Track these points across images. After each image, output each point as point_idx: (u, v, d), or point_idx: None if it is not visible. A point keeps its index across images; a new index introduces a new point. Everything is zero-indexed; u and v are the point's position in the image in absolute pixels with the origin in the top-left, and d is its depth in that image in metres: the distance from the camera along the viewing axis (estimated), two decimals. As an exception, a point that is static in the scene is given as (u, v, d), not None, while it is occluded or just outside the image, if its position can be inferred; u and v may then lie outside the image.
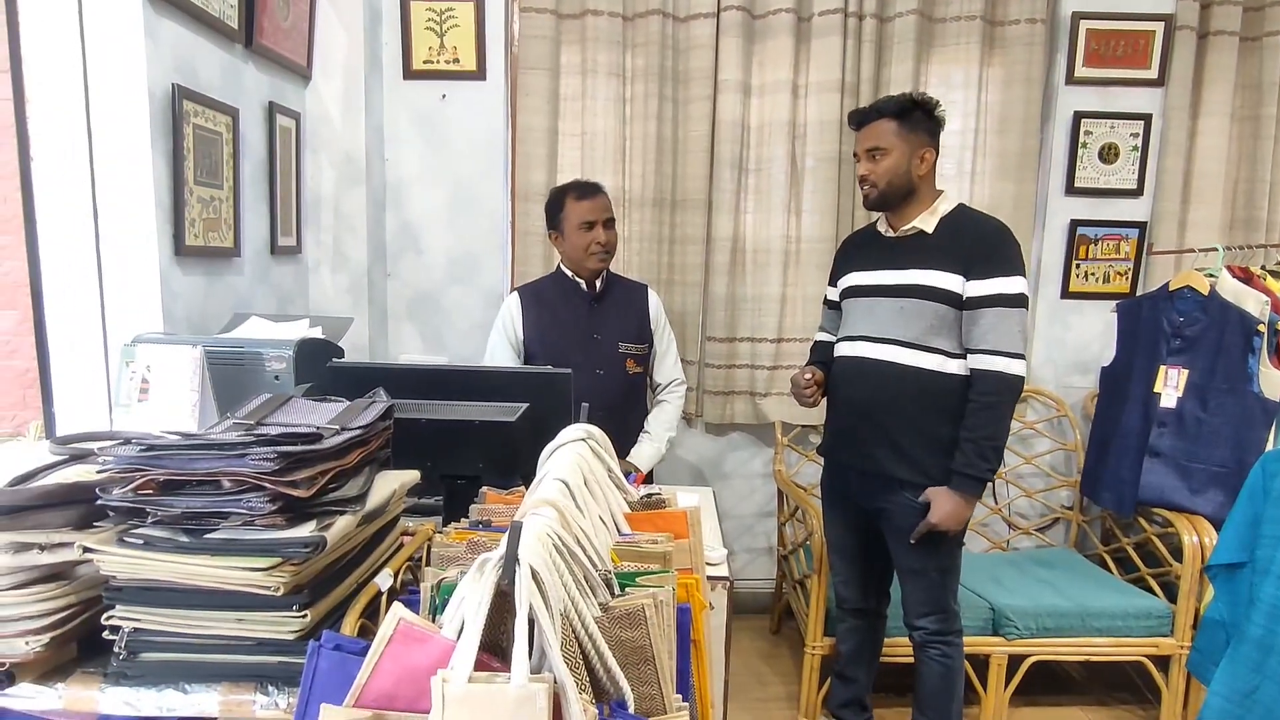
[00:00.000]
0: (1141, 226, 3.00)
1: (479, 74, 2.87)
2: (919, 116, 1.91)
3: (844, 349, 1.99)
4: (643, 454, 2.12)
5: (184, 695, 0.99)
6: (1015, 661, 2.38)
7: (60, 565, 1.00)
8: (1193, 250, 2.84)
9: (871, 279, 1.97)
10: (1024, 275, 1.86)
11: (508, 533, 0.87)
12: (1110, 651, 2.38)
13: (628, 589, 1.14)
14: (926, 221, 1.94)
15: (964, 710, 2.18)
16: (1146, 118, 2.95)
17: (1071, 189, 2.99)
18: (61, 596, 1.00)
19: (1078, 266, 3.03)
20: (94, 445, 1.12)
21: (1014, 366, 1.81)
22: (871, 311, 1.95)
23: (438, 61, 2.87)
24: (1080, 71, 2.93)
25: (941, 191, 2.00)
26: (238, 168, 2.20)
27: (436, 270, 2.97)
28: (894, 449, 1.90)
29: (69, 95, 1.83)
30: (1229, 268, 2.52)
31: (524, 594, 0.83)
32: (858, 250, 2.07)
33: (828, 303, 2.17)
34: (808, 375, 1.95)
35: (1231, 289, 2.45)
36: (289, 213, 2.56)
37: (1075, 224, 3.00)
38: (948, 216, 1.94)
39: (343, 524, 1.04)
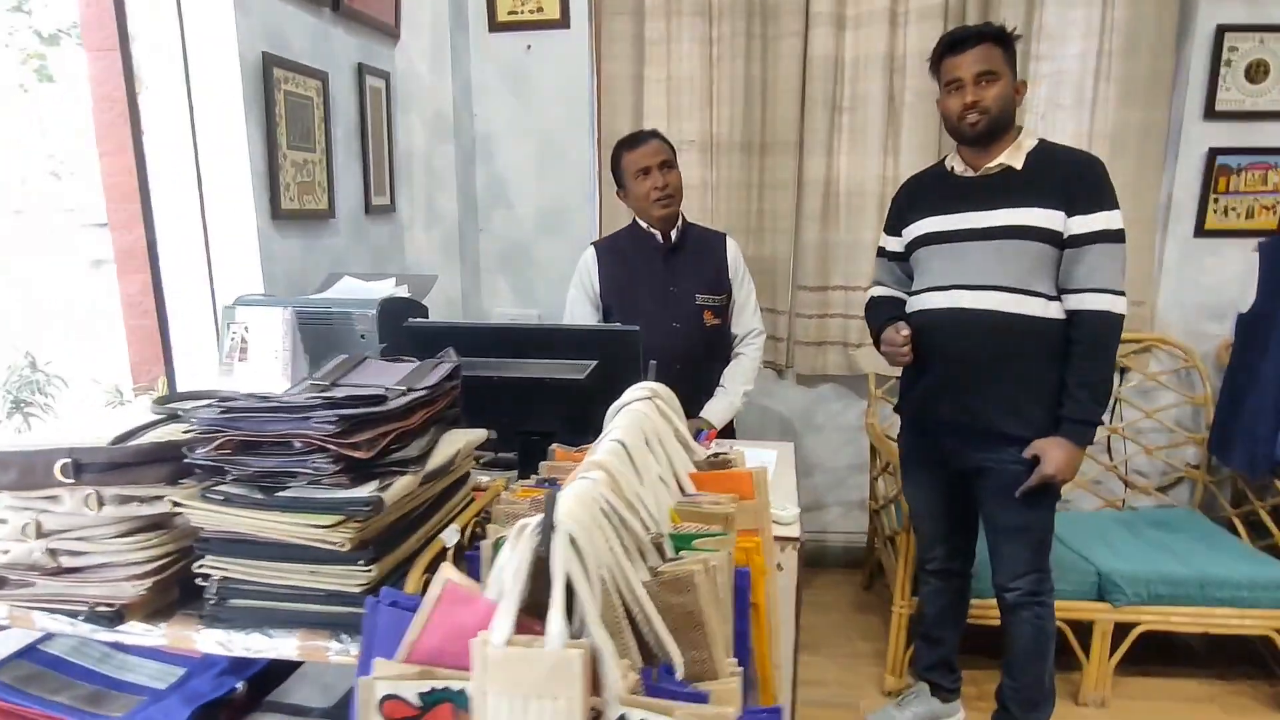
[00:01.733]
0: (1295, 153, 2.67)
1: (563, 22, 2.83)
2: (1012, 50, 1.82)
3: (933, 300, 1.88)
4: (715, 409, 2.09)
5: (268, 639, 1.07)
6: (1123, 629, 2.25)
7: (158, 516, 1.09)
8: None
9: (955, 223, 1.85)
10: (1119, 208, 1.76)
11: (545, 500, 0.88)
12: (1232, 624, 2.21)
13: (683, 552, 1.14)
14: (1014, 157, 1.81)
15: (1065, 676, 2.10)
16: (1306, 28, 2.59)
17: (1211, 113, 2.68)
18: (160, 545, 1.09)
19: (1215, 201, 2.74)
20: (187, 405, 1.20)
21: (1119, 305, 1.74)
22: (963, 257, 1.83)
23: (522, 12, 2.84)
24: (1226, -22, 2.59)
25: (1022, 127, 1.87)
26: (329, 131, 2.28)
27: (527, 223, 3.00)
28: (1003, 403, 1.81)
29: (170, 70, 1.93)
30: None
31: (559, 562, 0.84)
32: (928, 194, 1.94)
33: (887, 254, 2.05)
34: (905, 332, 1.86)
35: (1400, 223, 2.15)
36: (382, 172, 2.64)
37: (1214, 153, 2.70)
38: (1034, 151, 1.82)
39: (402, 484, 1.08)
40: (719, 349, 2.20)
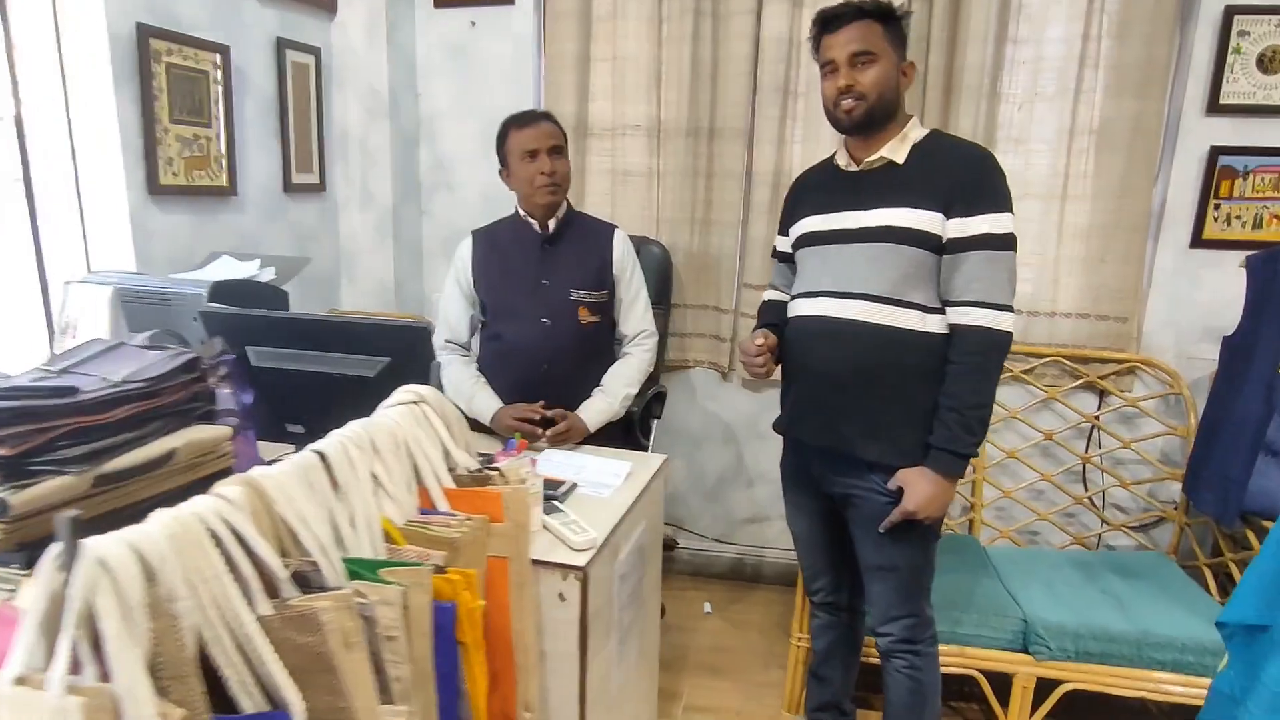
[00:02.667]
0: (1316, 155, 2.32)
1: (507, -3, 2.71)
2: (897, 27, 1.59)
3: (802, 307, 1.69)
4: (590, 409, 1.93)
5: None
6: (1049, 685, 2.00)
7: None
8: None
9: (831, 223, 1.65)
10: (1012, 212, 1.53)
11: (56, 524, 0.78)
12: (1172, 691, 1.93)
13: (362, 581, 1.02)
14: (896, 150, 1.59)
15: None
16: (1335, 10, 2.24)
17: (1215, 107, 2.35)
18: None
19: (1217, 207, 2.41)
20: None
21: (1003, 320, 1.51)
22: (834, 261, 1.63)
23: (468, -14, 2.73)
24: (1238, -48, 2.26)
25: (911, 116, 1.64)
26: (230, 105, 2.22)
27: (471, 207, 2.90)
28: (865, 425, 1.61)
29: (43, 41, 1.90)
30: None
31: (78, 593, 0.75)
32: (813, 189, 1.74)
33: (777, 254, 1.86)
34: (759, 340, 1.67)
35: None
36: (307, 150, 2.58)
37: (1217, 151, 2.37)
38: (921, 144, 1.60)
39: (51, 486, 1.00)
40: (598, 349, 2.04)
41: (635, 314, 2.05)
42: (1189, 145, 2.40)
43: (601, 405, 1.95)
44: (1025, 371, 2.57)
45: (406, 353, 1.40)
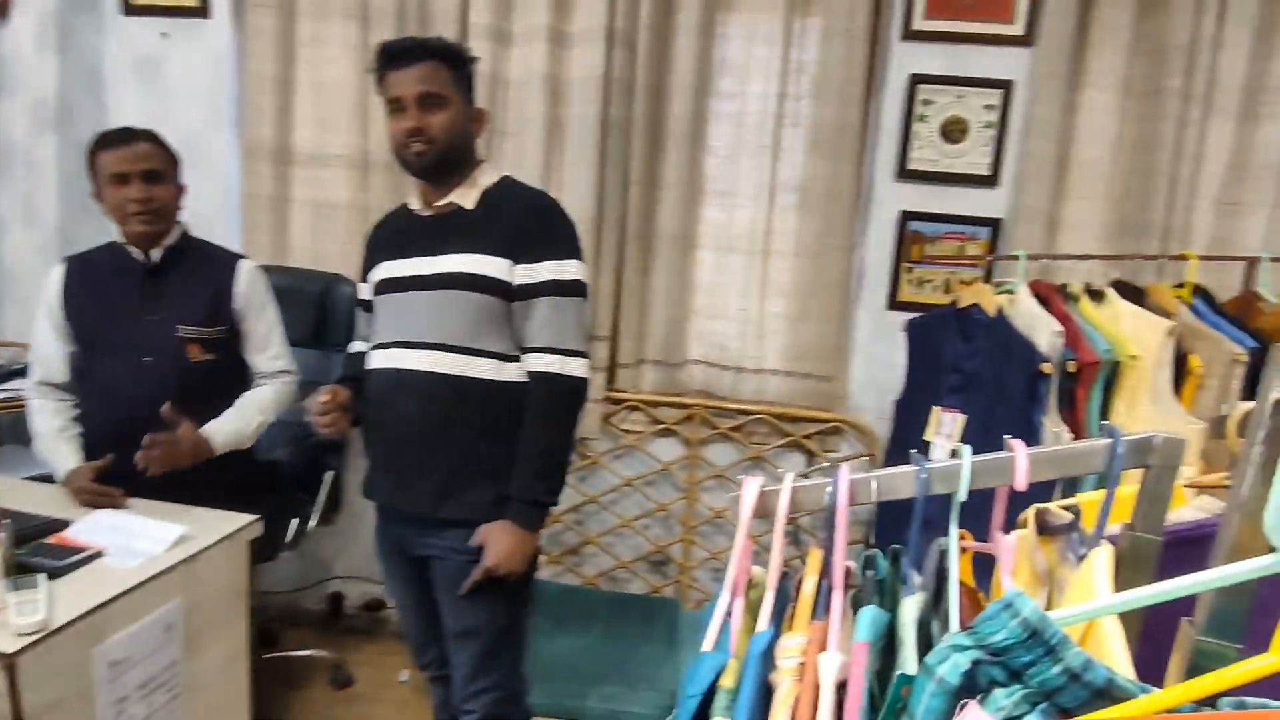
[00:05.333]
0: (996, 224, 2.37)
1: (202, 10, 2.51)
2: (465, 71, 1.56)
3: (376, 359, 1.56)
4: (219, 426, 1.72)
5: None
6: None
7: None
8: (1068, 256, 2.20)
9: (404, 269, 1.55)
10: (581, 259, 1.54)
11: None
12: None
13: None
14: (465, 196, 1.54)
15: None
16: (1007, 86, 2.31)
17: (904, 173, 2.38)
18: None
19: (909, 270, 2.43)
20: None
21: (572, 366, 1.49)
22: (406, 309, 1.54)
23: (160, -6, 2.52)
24: (920, 23, 2.31)
25: (484, 161, 1.60)
26: None
27: (169, 233, 2.65)
28: (440, 481, 1.51)
29: None
30: (1033, 284, 1.90)
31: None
32: (390, 235, 1.65)
33: (361, 303, 1.73)
34: (323, 397, 1.51)
35: (1026, 312, 1.83)
36: (-54, 159, 2.29)
37: (906, 216, 2.39)
38: (491, 189, 1.56)
39: None
40: (218, 389, 1.82)
41: (269, 352, 1.86)
42: (882, 208, 2.42)
43: (232, 424, 1.74)
44: (733, 429, 2.51)
45: None
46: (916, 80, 2.33)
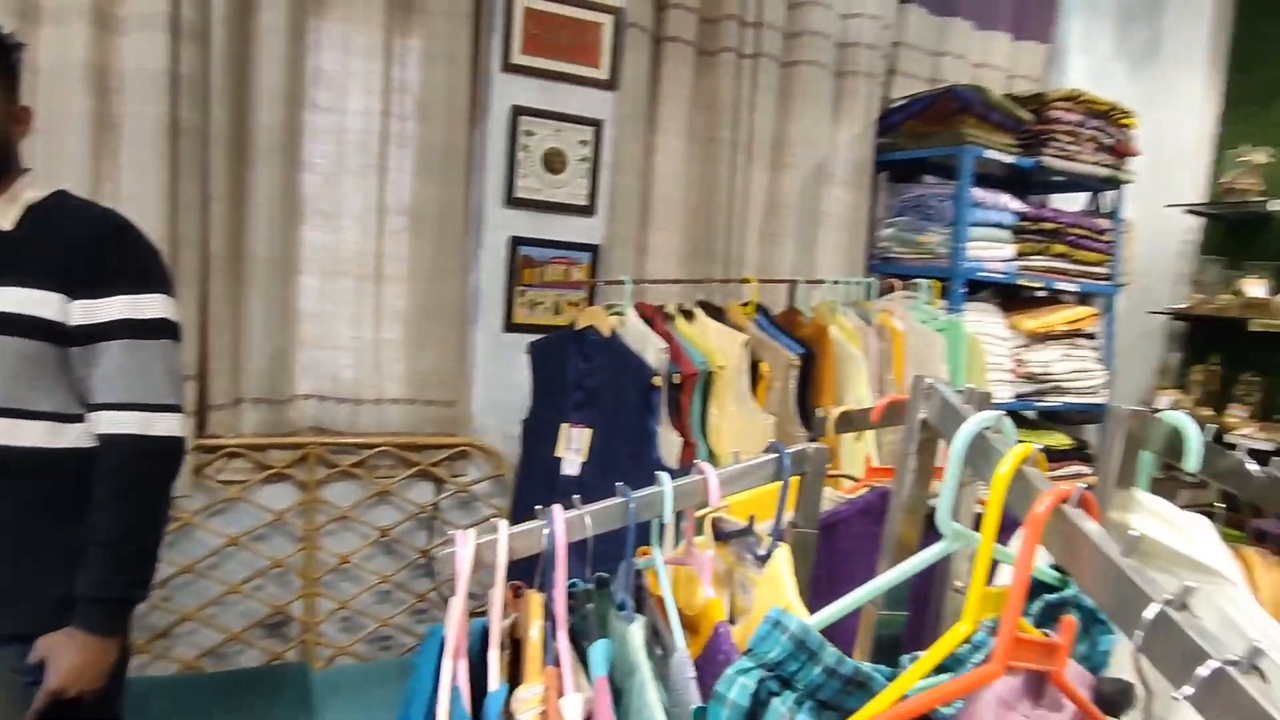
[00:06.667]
0: (595, 249, 2.59)
1: None
2: (7, 60, 1.22)
3: None
4: None
5: None
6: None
7: None
8: (661, 280, 2.47)
9: None
10: (168, 294, 1.27)
11: None
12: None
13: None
14: (3, 213, 1.21)
15: None
16: (598, 124, 2.53)
17: (511, 200, 2.46)
18: None
19: (522, 293, 2.52)
20: None
21: (159, 424, 1.21)
22: None
23: None
24: (519, 58, 2.41)
25: (29, 170, 1.28)
26: None
27: None
28: None
29: None
30: (638, 306, 2.13)
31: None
32: None
33: None
34: None
35: (636, 332, 2.04)
36: None
37: (516, 241, 2.48)
38: (38, 206, 1.24)
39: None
40: None
41: None
42: (493, 233, 2.47)
43: None
44: (355, 464, 2.34)
45: None
46: (518, 111, 2.43)
